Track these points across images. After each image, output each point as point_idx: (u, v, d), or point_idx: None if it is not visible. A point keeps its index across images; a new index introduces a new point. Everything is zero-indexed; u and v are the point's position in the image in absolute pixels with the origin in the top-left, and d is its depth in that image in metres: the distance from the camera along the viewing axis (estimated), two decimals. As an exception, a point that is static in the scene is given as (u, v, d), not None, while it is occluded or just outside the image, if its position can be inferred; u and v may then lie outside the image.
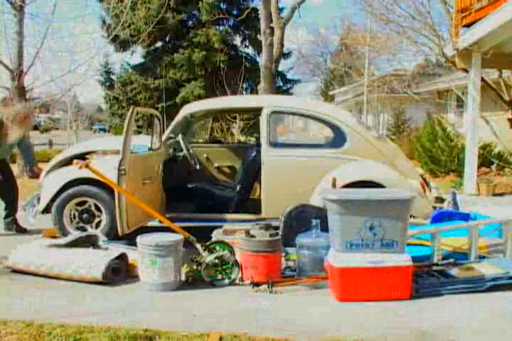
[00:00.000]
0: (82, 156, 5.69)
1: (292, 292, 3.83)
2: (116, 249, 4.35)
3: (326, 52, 38.07)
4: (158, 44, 22.19)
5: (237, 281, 4.01)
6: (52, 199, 5.11)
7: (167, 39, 21.88)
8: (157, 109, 17.37)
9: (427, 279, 3.87)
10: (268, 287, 3.80)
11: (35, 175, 6.84)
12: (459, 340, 3.03)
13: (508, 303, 3.62)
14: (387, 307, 3.53)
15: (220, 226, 4.84)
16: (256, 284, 3.82)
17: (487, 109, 10.73)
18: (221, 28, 21.34)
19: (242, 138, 13.99)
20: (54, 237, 5.03)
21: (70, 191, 5.08)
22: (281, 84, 22.58)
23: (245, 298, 3.72)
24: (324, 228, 3.94)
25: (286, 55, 21.76)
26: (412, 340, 3.05)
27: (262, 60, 13.45)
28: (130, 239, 4.49)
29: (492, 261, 4.19)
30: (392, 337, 3.07)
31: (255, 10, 19.48)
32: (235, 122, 13.55)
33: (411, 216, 5.07)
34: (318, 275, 3.92)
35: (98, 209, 5.10)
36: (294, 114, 5.51)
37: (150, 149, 5.18)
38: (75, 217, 5.15)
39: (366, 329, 3.15)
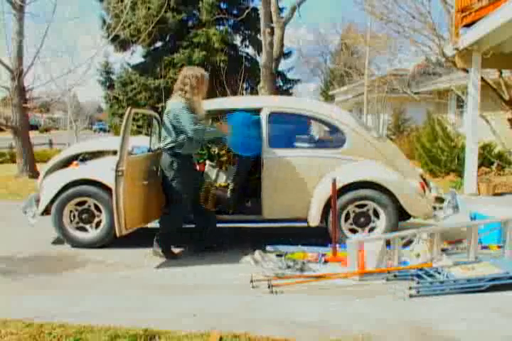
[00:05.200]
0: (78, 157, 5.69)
1: (292, 291, 3.83)
2: None
3: (326, 52, 38.10)
4: (158, 44, 22.22)
5: (238, 282, 4.01)
6: (52, 201, 5.11)
7: (167, 39, 21.90)
8: (157, 109, 17.37)
9: (427, 279, 3.88)
10: (268, 287, 3.81)
11: None
12: (458, 339, 3.04)
13: (508, 303, 3.62)
14: (387, 305, 3.53)
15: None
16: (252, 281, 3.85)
17: (487, 109, 10.72)
18: (221, 28, 21.35)
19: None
20: None
21: (69, 191, 5.07)
22: (281, 84, 22.60)
23: (246, 297, 3.72)
24: None
25: (286, 55, 21.79)
26: (411, 339, 3.05)
27: (262, 59, 13.44)
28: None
29: (492, 261, 4.19)
30: (392, 335, 3.08)
31: (255, 10, 19.49)
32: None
33: (411, 216, 5.08)
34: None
35: (98, 209, 5.10)
36: (293, 114, 5.49)
37: (149, 150, 5.17)
38: (74, 217, 5.15)
39: (366, 328, 3.16)
